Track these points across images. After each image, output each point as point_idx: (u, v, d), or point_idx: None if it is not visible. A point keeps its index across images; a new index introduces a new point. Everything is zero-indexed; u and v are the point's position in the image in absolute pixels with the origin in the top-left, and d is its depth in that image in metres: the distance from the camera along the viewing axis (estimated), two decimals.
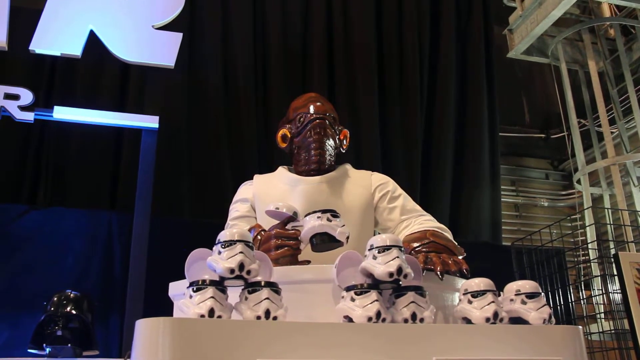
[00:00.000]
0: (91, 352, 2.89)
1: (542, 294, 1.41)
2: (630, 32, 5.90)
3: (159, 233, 3.65)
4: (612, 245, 4.17)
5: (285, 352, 1.15)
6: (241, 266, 1.24)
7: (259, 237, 1.77)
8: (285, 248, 1.65)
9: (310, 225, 1.63)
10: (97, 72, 4.58)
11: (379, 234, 1.80)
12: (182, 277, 1.35)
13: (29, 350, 2.86)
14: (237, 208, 2.14)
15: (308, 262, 1.72)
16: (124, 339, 3.29)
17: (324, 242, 1.62)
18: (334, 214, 1.62)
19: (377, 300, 1.25)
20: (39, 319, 2.88)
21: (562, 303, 3.86)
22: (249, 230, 1.85)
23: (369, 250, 1.34)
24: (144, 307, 3.21)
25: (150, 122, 3.68)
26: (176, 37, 3.85)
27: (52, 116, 3.61)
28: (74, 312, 2.85)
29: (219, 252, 1.28)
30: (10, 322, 3.43)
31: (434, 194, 5.24)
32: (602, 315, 3.76)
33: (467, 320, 1.36)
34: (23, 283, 3.56)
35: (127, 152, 4.40)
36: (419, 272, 1.42)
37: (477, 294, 1.36)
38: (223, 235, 1.30)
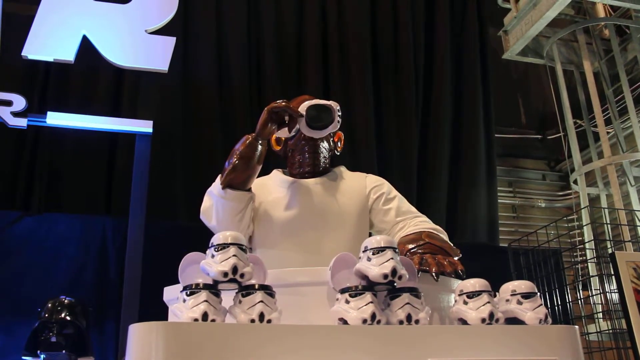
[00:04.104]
0: (86, 358, 2.88)
1: (538, 293, 1.40)
2: (625, 32, 5.91)
3: (154, 237, 3.64)
4: (609, 245, 4.17)
5: (280, 355, 1.14)
6: (235, 269, 1.23)
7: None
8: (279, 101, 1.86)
9: (303, 104, 1.95)
10: (90, 77, 4.56)
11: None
12: (178, 281, 1.34)
13: (23, 358, 2.85)
14: None
15: (301, 115, 1.92)
16: (119, 345, 3.27)
17: (317, 110, 1.94)
18: None
19: (372, 302, 1.24)
20: (33, 326, 2.87)
21: (559, 303, 3.85)
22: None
23: (363, 251, 1.33)
24: (140, 312, 3.20)
25: (144, 126, 3.68)
26: (170, 42, 3.84)
27: (45, 122, 3.60)
28: (68, 318, 2.84)
29: (212, 256, 1.27)
30: (4, 329, 3.42)
31: (430, 196, 5.22)
32: (600, 315, 3.75)
33: (463, 321, 1.35)
34: (17, 289, 3.55)
35: (121, 157, 4.38)
36: (414, 273, 1.41)
37: (472, 295, 1.35)
38: (216, 239, 1.29)
